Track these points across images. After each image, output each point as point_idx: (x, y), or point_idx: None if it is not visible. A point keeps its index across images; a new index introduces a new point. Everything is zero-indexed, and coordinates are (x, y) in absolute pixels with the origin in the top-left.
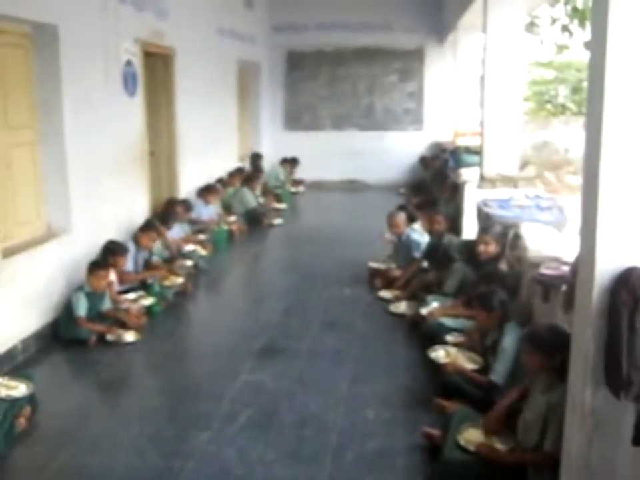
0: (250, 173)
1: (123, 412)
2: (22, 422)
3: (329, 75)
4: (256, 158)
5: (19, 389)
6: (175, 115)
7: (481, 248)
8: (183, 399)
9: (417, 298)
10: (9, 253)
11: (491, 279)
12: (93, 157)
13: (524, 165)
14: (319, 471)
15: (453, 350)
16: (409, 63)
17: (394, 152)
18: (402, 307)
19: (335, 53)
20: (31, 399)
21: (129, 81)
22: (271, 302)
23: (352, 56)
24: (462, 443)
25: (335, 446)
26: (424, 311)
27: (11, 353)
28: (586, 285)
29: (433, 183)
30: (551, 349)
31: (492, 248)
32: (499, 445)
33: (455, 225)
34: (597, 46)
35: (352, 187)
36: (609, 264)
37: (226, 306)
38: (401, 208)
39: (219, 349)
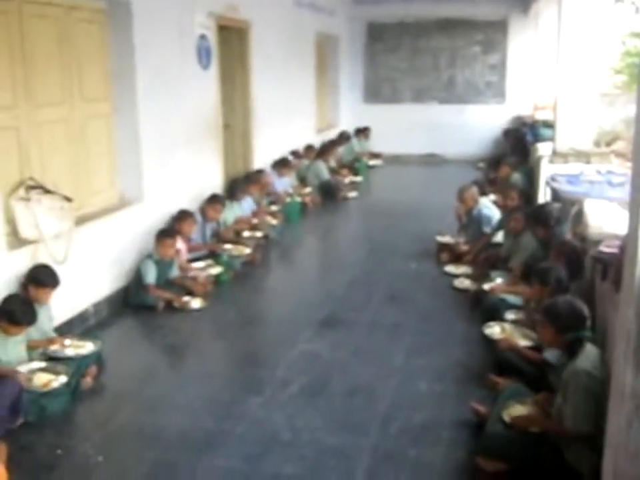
0: (324, 146)
1: (183, 375)
2: (88, 381)
3: (409, 47)
4: (343, 135)
5: (86, 349)
6: (250, 88)
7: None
8: (240, 364)
9: (483, 273)
10: (83, 220)
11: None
12: (166, 128)
13: (613, 140)
14: (364, 440)
15: (508, 326)
16: (492, 34)
17: (474, 126)
18: (466, 282)
19: (416, 25)
20: (97, 359)
21: (202, 55)
22: (337, 274)
23: (433, 27)
24: (506, 418)
25: (382, 416)
26: (486, 287)
27: (82, 316)
28: (631, 264)
29: (512, 157)
30: (563, 325)
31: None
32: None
33: (529, 201)
34: None
35: (430, 160)
36: None
37: (292, 276)
38: (475, 183)
39: (281, 318)
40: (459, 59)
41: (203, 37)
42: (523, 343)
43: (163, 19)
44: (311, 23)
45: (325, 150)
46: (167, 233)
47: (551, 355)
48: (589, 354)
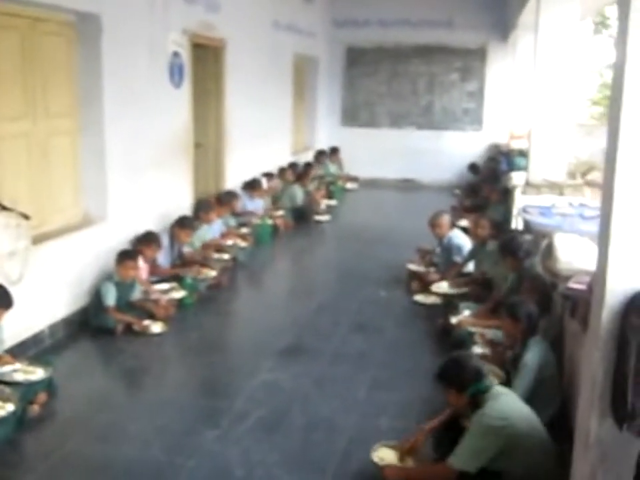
0: (302, 170)
1: (137, 402)
2: (35, 408)
3: (388, 72)
4: (319, 155)
5: (37, 374)
6: (224, 108)
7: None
8: (198, 393)
9: (452, 304)
10: (43, 238)
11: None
12: (134, 146)
13: (588, 170)
14: (320, 478)
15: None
16: (470, 61)
17: (451, 152)
18: (431, 297)
19: (395, 50)
20: (48, 385)
21: (175, 72)
22: (305, 299)
23: (412, 53)
24: (375, 459)
25: (340, 453)
26: (454, 320)
27: (37, 337)
28: (597, 305)
29: (485, 186)
30: (461, 384)
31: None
32: (410, 463)
33: (502, 230)
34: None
35: (407, 185)
36: (620, 285)
37: (258, 301)
38: (452, 208)
39: (244, 345)
40: (437, 85)
41: (176, 54)
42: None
43: (134, 35)
44: (289, 44)
45: (303, 174)
46: (128, 254)
47: (516, 392)
48: (497, 400)
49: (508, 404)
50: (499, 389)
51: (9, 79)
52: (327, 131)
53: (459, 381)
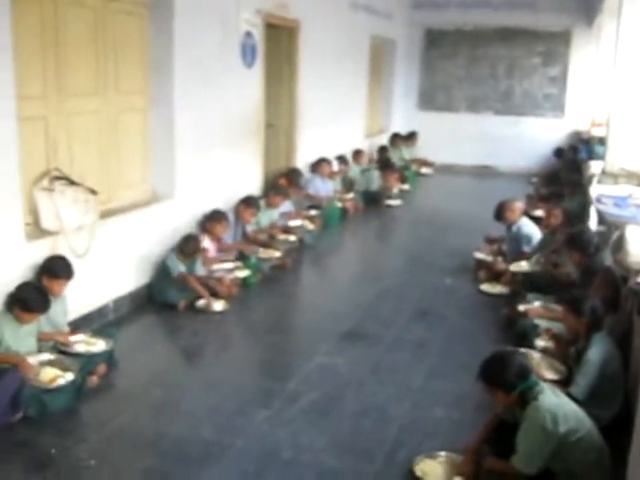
0: (384, 159)
1: (192, 380)
2: (94, 379)
3: (467, 55)
4: (394, 138)
5: (97, 346)
6: (296, 88)
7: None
8: (253, 373)
9: (520, 293)
10: (111, 214)
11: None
12: (204, 125)
13: None
14: (368, 466)
15: (537, 356)
16: (554, 45)
17: (530, 139)
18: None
19: (475, 33)
20: (108, 358)
21: (247, 52)
22: (368, 284)
23: (493, 36)
24: (418, 473)
25: (391, 442)
26: (521, 308)
27: (101, 311)
28: None
29: (565, 175)
30: (507, 384)
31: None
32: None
33: (574, 222)
34: None
35: (482, 172)
36: None
37: (322, 284)
38: (527, 197)
39: (303, 327)
40: (518, 70)
41: (248, 34)
42: (550, 376)
43: (206, 15)
44: (366, 26)
45: (385, 162)
46: (194, 240)
47: (577, 390)
48: (548, 398)
49: (558, 404)
50: (552, 388)
51: (82, 56)
52: (403, 115)
53: (505, 380)
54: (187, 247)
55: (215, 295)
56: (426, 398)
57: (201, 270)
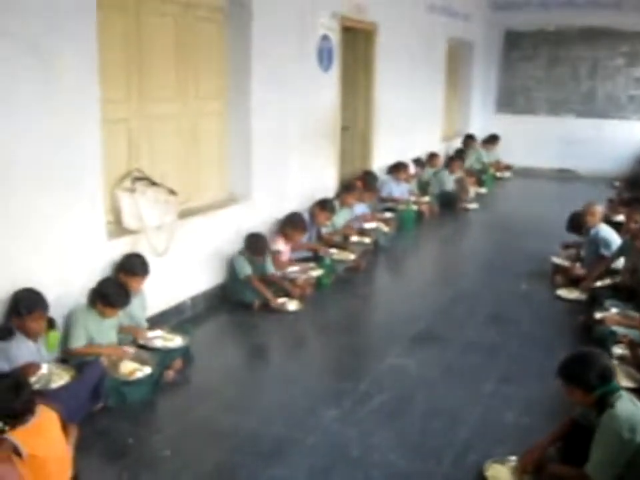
0: (451, 156)
1: (265, 377)
2: (170, 373)
3: (547, 57)
4: (468, 139)
5: (174, 342)
6: (373, 91)
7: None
8: (325, 373)
9: (597, 300)
10: (189, 214)
11: None
12: (281, 128)
13: None
14: (436, 467)
15: (613, 363)
16: (639, 45)
17: (613, 142)
18: (575, 292)
19: (556, 33)
20: (185, 353)
21: (324, 56)
22: (442, 287)
23: (574, 37)
24: (488, 478)
25: (460, 445)
26: (598, 316)
27: (179, 308)
28: None
29: None
30: (588, 383)
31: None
32: None
33: None
34: None
35: (562, 176)
36: None
37: (395, 286)
38: (609, 201)
39: (376, 328)
40: (600, 71)
41: (325, 37)
42: (626, 383)
43: (283, 19)
44: (443, 28)
45: (453, 160)
46: (260, 244)
47: None
48: (627, 406)
49: (636, 412)
50: (629, 396)
51: (163, 62)
52: (481, 118)
53: (586, 379)
54: (254, 245)
55: (287, 295)
56: (497, 402)
57: (272, 269)
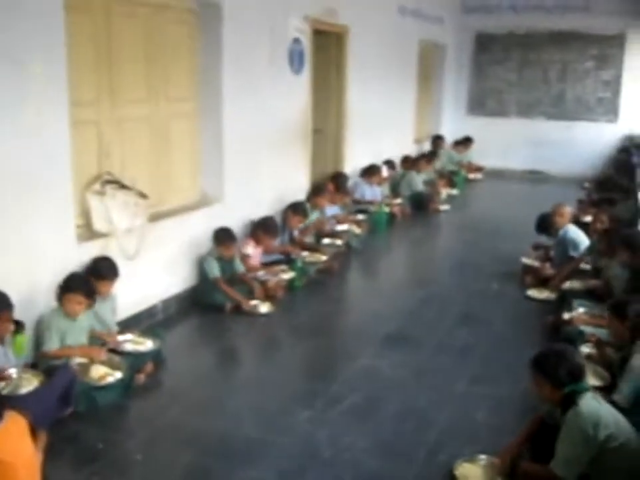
0: (418, 156)
1: (237, 380)
2: (141, 377)
3: (518, 60)
4: (436, 140)
5: (145, 345)
6: (344, 94)
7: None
8: (296, 375)
9: (566, 300)
10: (160, 217)
11: None
12: (252, 131)
13: None
14: (407, 468)
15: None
16: (607, 48)
17: (582, 144)
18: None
19: (527, 36)
20: (156, 356)
21: (295, 59)
22: (414, 288)
23: (545, 40)
24: (458, 476)
25: (431, 445)
26: (566, 316)
27: (150, 311)
28: None
29: (618, 180)
30: (559, 379)
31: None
32: None
33: (628, 226)
34: None
35: (534, 177)
36: None
37: (367, 288)
38: (579, 202)
39: (348, 330)
40: (570, 74)
41: (296, 40)
42: (593, 382)
43: (254, 22)
44: (414, 31)
45: (418, 160)
46: (228, 234)
47: (620, 397)
48: (592, 404)
49: (599, 409)
50: (592, 394)
51: (133, 64)
52: (453, 120)
53: (559, 375)
54: (221, 237)
55: (254, 297)
56: (468, 402)
57: (241, 268)
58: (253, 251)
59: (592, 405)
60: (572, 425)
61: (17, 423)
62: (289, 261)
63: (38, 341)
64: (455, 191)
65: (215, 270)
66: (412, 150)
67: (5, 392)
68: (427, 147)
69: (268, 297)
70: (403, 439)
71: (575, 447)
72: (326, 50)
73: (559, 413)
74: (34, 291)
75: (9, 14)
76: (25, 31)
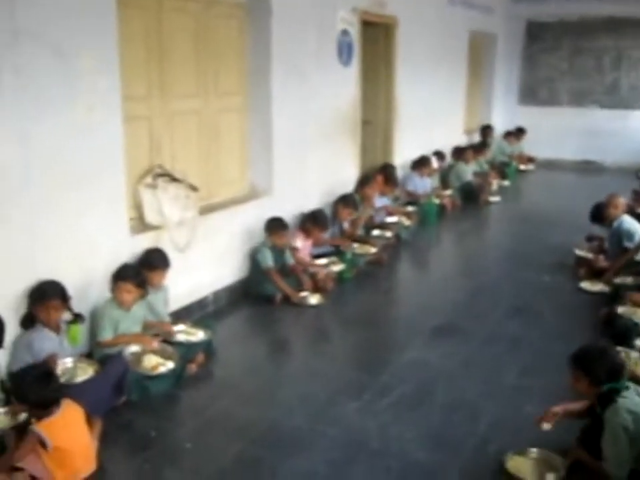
0: (467, 147)
1: (286, 370)
2: (193, 367)
3: (570, 48)
4: (485, 130)
5: (197, 336)
6: (394, 85)
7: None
8: (345, 366)
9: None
10: (211, 209)
11: None
12: (301, 123)
13: None
14: (455, 459)
15: (635, 355)
16: None
17: (637, 133)
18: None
19: (579, 24)
20: (207, 347)
21: (343, 51)
22: (464, 280)
23: (598, 26)
24: (509, 469)
25: (480, 437)
26: (620, 309)
27: (202, 303)
28: None
29: None
30: (598, 376)
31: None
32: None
33: None
34: None
35: (586, 167)
36: None
37: (417, 279)
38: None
39: (397, 321)
40: (625, 61)
41: (345, 32)
42: None
43: (303, 14)
44: (464, 21)
45: (466, 150)
46: (280, 223)
47: None
48: (631, 399)
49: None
50: (634, 388)
51: (183, 59)
52: (503, 110)
53: (599, 372)
54: (273, 225)
55: (304, 289)
56: (517, 395)
57: (291, 260)
58: (302, 244)
59: (632, 400)
60: (612, 422)
61: (73, 411)
62: (338, 253)
63: (92, 331)
64: (506, 182)
65: (268, 260)
66: (462, 141)
67: (62, 381)
68: (477, 137)
69: (317, 288)
70: (451, 431)
71: (619, 444)
72: (374, 41)
73: (598, 408)
74: (88, 283)
75: (62, 9)
76: (77, 27)
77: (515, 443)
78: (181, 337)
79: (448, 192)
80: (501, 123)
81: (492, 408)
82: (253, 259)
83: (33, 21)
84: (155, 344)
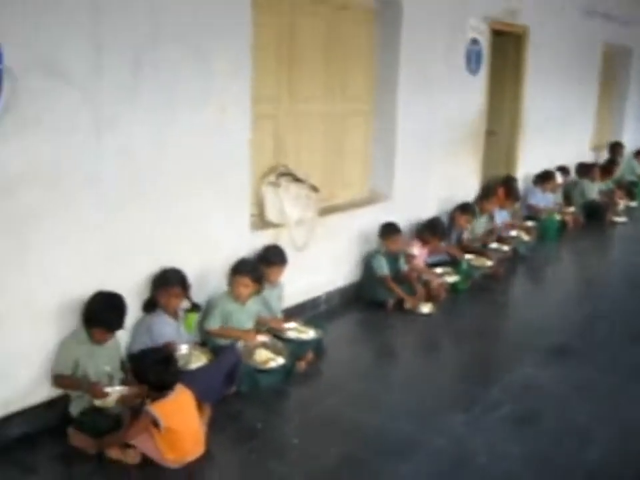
0: (594, 164)
1: (394, 376)
2: (302, 365)
3: None
4: (615, 147)
5: (308, 334)
6: (521, 96)
7: None
8: (454, 377)
9: None
10: (330, 211)
11: None
12: (424, 130)
13: None
14: None
15: None
16: None
17: None
18: None
19: None
20: (317, 346)
21: (472, 59)
22: (581, 301)
23: None
24: None
25: (590, 465)
26: None
27: (314, 302)
28: None
29: None
30: None
31: None
32: None
33: None
34: None
35: None
36: None
37: (533, 296)
38: None
39: (510, 336)
40: None
41: (474, 41)
42: None
43: (433, 21)
44: (598, 33)
45: (593, 168)
46: (394, 228)
47: None
48: None
49: None
50: None
51: (312, 62)
52: (635, 127)
53: None
54: (387, 230)
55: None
56: (633, 425)
57: (405, 267)
58: (418, 252)
59: None
60: None
61: (185, 396)
62: (454, 263)
63: (203, 319)
64: (633, 203)
65: (384, 267)
66: (588, 157)
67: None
68: (605, 154)
69: (430, 297)
70: (561, 455)
71: None
72: (503, 50)
73: None
74: (207, 275)
75: (203, 16)
76: (213, 30)
77: (626, 476)
78: (292, 334)
79: (571, 209)
80: (631, 141)
81: (605, 437)
82: (367, 264)
83: (177, 27)
84: (259, 338)
